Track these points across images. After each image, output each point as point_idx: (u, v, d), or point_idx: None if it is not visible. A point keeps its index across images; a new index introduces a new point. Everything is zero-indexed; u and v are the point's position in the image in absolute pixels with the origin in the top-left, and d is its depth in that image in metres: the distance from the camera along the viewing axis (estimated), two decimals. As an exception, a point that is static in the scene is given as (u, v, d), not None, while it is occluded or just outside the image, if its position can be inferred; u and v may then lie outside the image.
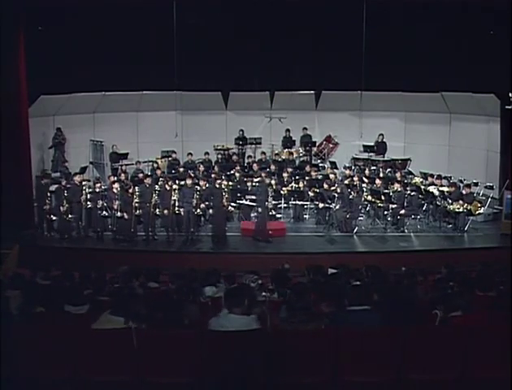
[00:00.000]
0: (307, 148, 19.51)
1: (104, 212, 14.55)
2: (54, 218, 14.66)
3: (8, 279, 9.03)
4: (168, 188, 14.77)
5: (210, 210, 14.93)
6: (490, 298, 7.52)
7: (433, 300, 7.03)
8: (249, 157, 19.36)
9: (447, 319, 6.29)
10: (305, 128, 19.77)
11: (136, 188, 14.68)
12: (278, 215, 16.06)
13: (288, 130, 19.65)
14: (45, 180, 15.10)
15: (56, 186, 15.03)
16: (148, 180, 14.73)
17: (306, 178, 16.64)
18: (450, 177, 16.70)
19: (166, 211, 14.46)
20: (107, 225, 14.80)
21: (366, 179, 16.44)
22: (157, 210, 14.50)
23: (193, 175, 16.20)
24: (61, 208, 14.43)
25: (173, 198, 14.49)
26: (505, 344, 5.53)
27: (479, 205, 15.01)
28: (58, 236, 14.67)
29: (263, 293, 8.35)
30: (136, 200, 14.33)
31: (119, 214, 14.32)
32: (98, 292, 8.14)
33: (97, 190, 14.79)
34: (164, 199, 14.55)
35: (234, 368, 5.49)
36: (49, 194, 14.76)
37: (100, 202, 14.55)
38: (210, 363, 5.57)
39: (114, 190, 14.51)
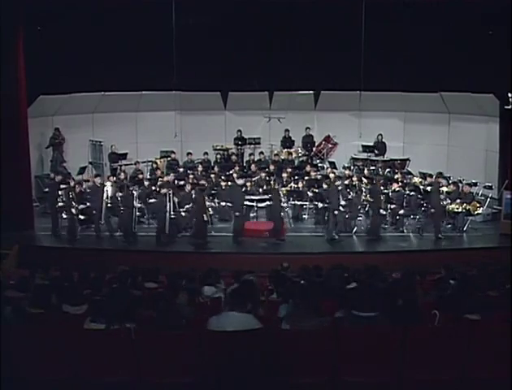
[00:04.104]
0: (308, 147, 19.50)
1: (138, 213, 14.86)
2: (65, 216, 14.76)
3: (7, 279, 9.03)
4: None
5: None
6: (490, 298, 7.52)
7: (436, 300, 7.04)
8: (251, 155, 19.37)
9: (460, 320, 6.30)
10: (307, 128, 19.77)
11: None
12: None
13: (287, 130, 19.64)
14: (58, 177, 15.15)
15: (65, 186, 15.07)
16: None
17: (306, 178, 16.63)
18: (449, 177, 16.70)
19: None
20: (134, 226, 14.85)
21: (365, 180, 16.43)
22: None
23: (192, 175, 16.28)
24: (72, 209, 14.47)
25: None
26: (505, 344, 5.53)
27: (478, 205, 15.01)
28: (67, 236, 14.64)
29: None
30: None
31: (183, 213, 14.71)
32: (97, 292, 8.13)
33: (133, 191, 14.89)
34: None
35: (234, 368, 5.49)
36: (60, 193, 14.83)
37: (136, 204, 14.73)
38: (210, 363, 5.57)
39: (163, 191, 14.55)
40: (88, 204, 14.74)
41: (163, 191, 14.52)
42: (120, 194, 14.64)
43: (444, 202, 14.84)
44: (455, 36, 16.09)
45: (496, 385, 5.56)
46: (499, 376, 5.50)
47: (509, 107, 15.56)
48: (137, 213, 14.90)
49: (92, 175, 17.95)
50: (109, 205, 14.75)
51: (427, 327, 5.99)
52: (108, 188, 14.89)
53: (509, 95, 15.43)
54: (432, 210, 14.63)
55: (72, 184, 15.14)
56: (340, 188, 14.93)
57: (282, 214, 15.02)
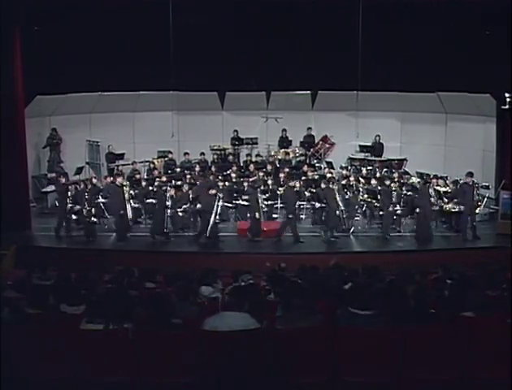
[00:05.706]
0: (306, 147, 19.50)
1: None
2: (74, 217, 14.79)
3: (5, 279, 9.00)
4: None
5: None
6: (487, 298, 7.53)
7: (434, 300, 7.04)
8: (248, 155, 19.37)
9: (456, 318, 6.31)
10: (309, 128, 19.77)
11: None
12: (274, 215, 16.06)
13: (284, 130, 19.63)
14: (61, 179, 15.12)
15: (77, 186, 15.14)
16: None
17: (303, 178, 16.63)
18: (446, 177, 16.71)
19: None
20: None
21: (362, 179, 16.44)
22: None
23: (189, 175, 16.28)
24: (85, 210, 14.49)
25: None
26: (504, 344, 5.53)
27: (475, 205, 15.02)
28: (85, 237, 14.61)
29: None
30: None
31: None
32: (94, 292, 8.11)
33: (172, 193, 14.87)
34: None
35: (234, 368, 5.49)
36: (69, 193, 14.83)
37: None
38: (210, 363, 5.57)
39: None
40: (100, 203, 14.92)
41: (212, 192, 14.19)
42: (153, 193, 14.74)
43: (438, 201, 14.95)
44: (452, 36, 16.10)
45: (496, 385, 5.57)
46: (499, 376, 5.51)
47: (507, 107, 15.60)
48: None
49: (89, 175, 17.94)
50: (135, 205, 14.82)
51: (427, 327, 5.99)
52: (128, 189, 14.77)
53: (507, 95, 15.47)
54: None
55: (82, 185, 15.17)
56: (379, 187, 15.06)
57: (337, 213, 14.70)
